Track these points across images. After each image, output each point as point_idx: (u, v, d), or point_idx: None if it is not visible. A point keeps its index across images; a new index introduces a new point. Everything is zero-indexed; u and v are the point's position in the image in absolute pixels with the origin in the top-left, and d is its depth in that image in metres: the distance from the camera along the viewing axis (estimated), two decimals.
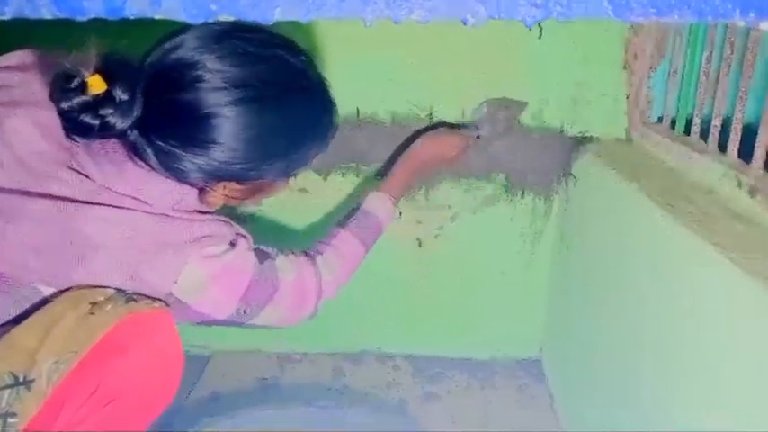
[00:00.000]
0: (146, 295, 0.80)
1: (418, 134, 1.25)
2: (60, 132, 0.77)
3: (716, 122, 1.02)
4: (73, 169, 0.78)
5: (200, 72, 0.74)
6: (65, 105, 0.73)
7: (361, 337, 1.51)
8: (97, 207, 0.77)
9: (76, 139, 0.76)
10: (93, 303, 0.75)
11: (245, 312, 0.90)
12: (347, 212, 1.11)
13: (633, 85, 1.28)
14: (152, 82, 0.74)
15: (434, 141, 1.22)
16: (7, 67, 0.84)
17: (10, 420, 0.70)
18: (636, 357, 0.99)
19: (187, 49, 0.75)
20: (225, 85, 0.74)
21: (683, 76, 1.18)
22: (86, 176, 0.78)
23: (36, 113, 0.79)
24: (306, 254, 1.02)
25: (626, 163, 1.13)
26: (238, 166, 0.79)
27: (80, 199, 0.76)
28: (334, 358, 1.49)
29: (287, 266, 0.96)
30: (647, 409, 0.94)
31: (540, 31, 1.27)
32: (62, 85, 0.73)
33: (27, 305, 0.76)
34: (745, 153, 0.95)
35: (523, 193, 1.37)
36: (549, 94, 1.31)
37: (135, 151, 0.78)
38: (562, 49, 1.27)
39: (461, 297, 1.46)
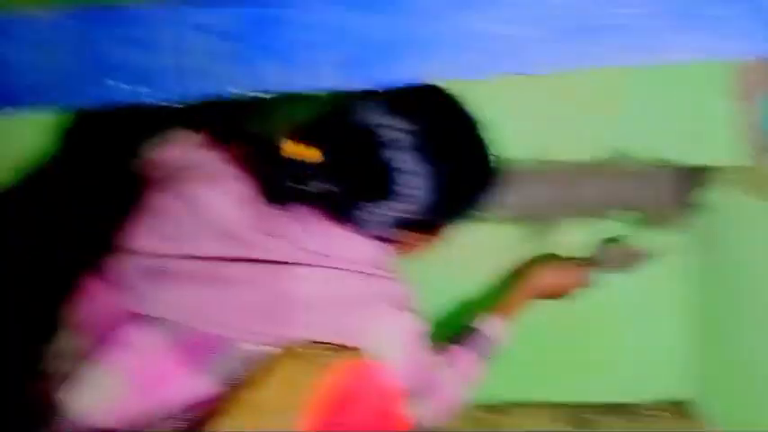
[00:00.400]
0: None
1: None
2: (255, 200, 0.87)
3: None
4: (269, 234, 0.85)
5: (395, 133, 0.83)
6: (271, 174, 0.85)
7: (505, 386, 1.52)
8: (298, 267, 0.83)
9: (277, 204, 0.86)
10: (311, 356, 0.80)
11: (413, 395, 0.94)
12: (465, 331, 1.16)
13: (748, 113, 1.30)
14: (353, 142, 0.84)
15: (557, 274, 1.27)
16: (181, 147, 0.96)
17: None
18: None
19: (380, 111, 0.84)
20: (416, 142, 0.83)
21: None
22: (283, 238, 0.85)
23: (228, 185, 0.88)
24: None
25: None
26: (428, 215, 0.87)
27: (284, 261, 0.83)
28: (479, 409, 1.50)
29: (438, 363, 1.03)
30: None
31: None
32: (266, 155, 0.85)
33: (238, 366, 0.81)
34: None
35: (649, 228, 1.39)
36: (661, 128, 1.33)
37: (329, 211, 0.86)
38: (670, 81, 1.31)
39: (604, 341, 1.47)
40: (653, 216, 1.39)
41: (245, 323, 0.82)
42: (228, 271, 0.84)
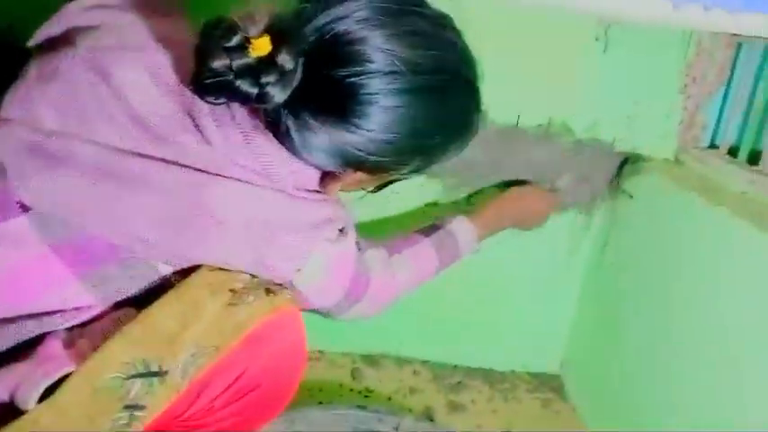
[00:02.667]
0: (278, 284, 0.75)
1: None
2: (181, 87, 0.68)
3: None
4: (194, 133, 0.68)
5: (369, 51, 0.64)
6: (218, 64, 0.62)
7: (379, 338, 1.45)
8: (223, 180, 0.68)
9: (210, 98, 0.65)
10: (233, 291, 0.68)
11: (340, 306, 0.85)
12: (429, 225, 1.05)
13: (688, 108, 1.29)
14: (313, 51, 0.65)
15: (535, 198, 1.20)
16: (106, 6, 0.73)
17: (136, 414, 0.62)
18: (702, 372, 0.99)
19: (358, 20, 0.65)
20: (394, 69, 0.65)
21: (750, 108, 1.19)
22: (209, 143, 0.68)
23: (152, 62, 0.68)
24: (385, 249, 0.95)
25: (696, 187, 1.12)
26: (382, 158, 0.70)
27: (204, 169, 0.67)
28: (351, 359, 1.42)
29: (374, 261, 0.90)
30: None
31: (606, 46, 1.26)
32: (219, 40, 0.62)
33: (144, 284, 0.68)
34: None
35: (567, 204, 1.36)
36: (605, 109, 1.29)
37: (269, 122, 0.69)
38: (623, 66, 1.27)
39: (487, 305, 1.43)
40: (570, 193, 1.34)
41: (147, 234, 0.66)
42: (146, 171, 0.66)
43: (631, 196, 1.26)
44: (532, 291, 1.42)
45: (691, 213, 1.07)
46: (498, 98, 1.23)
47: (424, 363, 1.45)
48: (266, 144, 0.70)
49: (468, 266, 1.37)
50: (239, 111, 0.70)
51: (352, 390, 1.33)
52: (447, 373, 1.43)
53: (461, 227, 1.06)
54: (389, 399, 1.32)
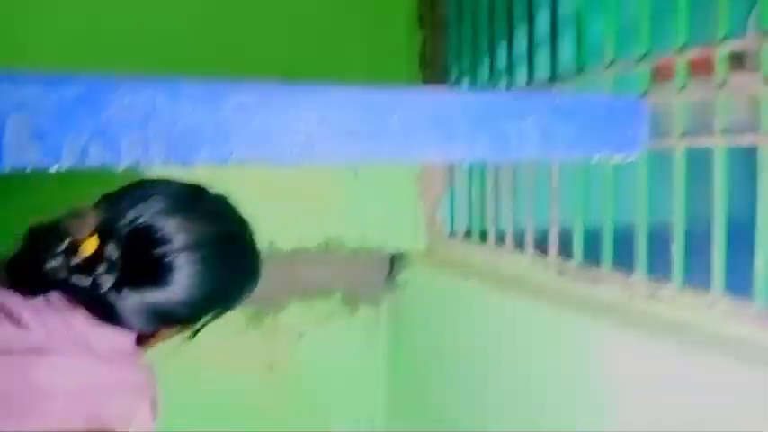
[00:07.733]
0: None
1: None
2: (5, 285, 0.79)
3: (509, 231, 1.41)
4: (12, 322, 0.80)
5: (171, 232, 0.82)
6: (52, 266, 0.76)
7: None
8: (44, 357, 0.79)
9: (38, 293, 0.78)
10: None
11: None
12: None
13: (428, 210, 1.65)
14: (129, 239, 0.81)
15: None
16: None
17: None
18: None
19: (158, 211, 0.83)
20: (191, 244, 0.83)
21: (471, 202, 1.58)
22: (27, 328, 0.80)
23: None
24: None
25: (448, 267, 1.46)
26: (188, 312, 0.86)
27: (28, 351, 0.78)
28: None
29: None
30: None
31: (356, 174, 1.58)
32: (50, 246, 0.76)
33: None
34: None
35: (357, 304, 1.62)
36: (368, 223, 1.60)
37: (87, 298, 0.81)
38: (373, 185, 1.60)
39: (308, 407, 1.61)
40: (360, 294, 1.61)
41: None
42: None
43: (404, 286, 1.57)
44: (347, 380, 1.64)
45: (450, 289, 1.39)
46: (282, 230, 1.51)
47: None
48: (81, 320, 0.82)
49: (295, 366, 1.56)
50: (53, 293, 0.81)
51: None
52: None
53: None
54: None
